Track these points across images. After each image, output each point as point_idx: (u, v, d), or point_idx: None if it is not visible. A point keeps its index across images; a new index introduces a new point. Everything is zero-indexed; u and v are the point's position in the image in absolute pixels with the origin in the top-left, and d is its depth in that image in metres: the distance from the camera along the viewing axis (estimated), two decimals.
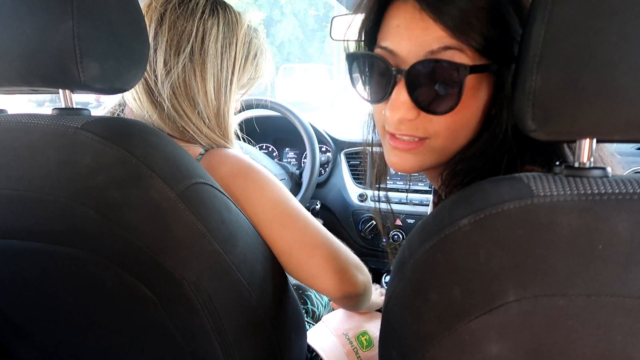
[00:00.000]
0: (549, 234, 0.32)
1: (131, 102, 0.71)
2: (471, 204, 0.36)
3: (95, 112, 0.63)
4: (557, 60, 0.34)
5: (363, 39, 0.57)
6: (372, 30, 0.55)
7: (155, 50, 0.67)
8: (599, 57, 0.32)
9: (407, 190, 1.43)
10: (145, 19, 0.56)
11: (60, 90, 0.55)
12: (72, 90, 0.55)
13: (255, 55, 0.76)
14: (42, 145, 0.51)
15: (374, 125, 0.66)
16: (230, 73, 0.72)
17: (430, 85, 0.49)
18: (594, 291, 0.31)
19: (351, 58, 0.57)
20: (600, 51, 0.32)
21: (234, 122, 0.75)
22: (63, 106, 0.55)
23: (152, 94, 0.68)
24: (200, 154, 0.68)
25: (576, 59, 0.33)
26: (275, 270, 0.69)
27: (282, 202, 0.67)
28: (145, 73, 0.67)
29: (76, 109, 0.55)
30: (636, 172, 1.26)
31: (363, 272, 0.75)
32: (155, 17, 0.68)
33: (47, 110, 0.57)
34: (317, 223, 0.70)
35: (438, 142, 0.53)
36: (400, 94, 0.50)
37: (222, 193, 0.59)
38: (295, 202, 0.69)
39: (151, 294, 0.52)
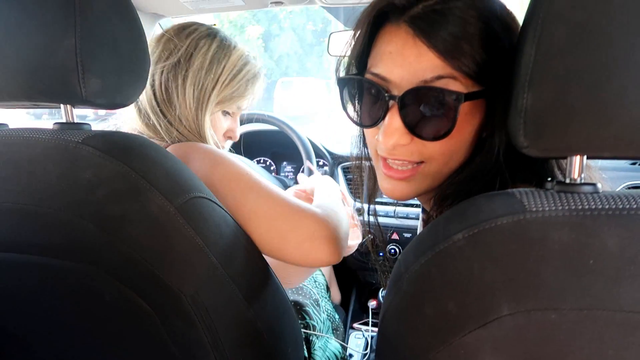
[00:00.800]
0: (541, 248, 0.32)
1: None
2: (465, 219, 0.37)
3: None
4: (547, 79, 0.35)
5: (354, 63, 0.57)
6: (363, 54, 0.55)
7: None
8: (588, 76, 0.33)
9: (396, 204, 1.44)
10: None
11: (62, 105, 0.55)
12: (74, 105, 0.56)
13: (244, 77, 0.82)
14: (42, 159, 0.51)
15: (364, 140, 0.65)
16: (212, 87, 0.78)
17: (424, 112, 0.49)
18: (586, 305, 0.31)
19: (342, 83, 0.57)
20: (589, 69, 0.33)
21: (209, 128, 0.81)
22: (64, 121, 0.56)
23: None
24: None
25: (566, 78, 0.34)
26: (273, 285, 0.68)
27: (233, 179, 0.66)
28: None
29: (77, 123, 0.56)
30: (630, 188, 1.27)
31: (339, 235, 0.67)
32: (155, 37, 0.79)
33: (45, 122, 0.57)
34: (277, 194, 0.66)
35: (432, 167, 0.53)
36: (393, 119, 0.50)
37: (221, 207, 0.59)
38: (250, 177, 0.67)
39: (149, 307, 0.52)
